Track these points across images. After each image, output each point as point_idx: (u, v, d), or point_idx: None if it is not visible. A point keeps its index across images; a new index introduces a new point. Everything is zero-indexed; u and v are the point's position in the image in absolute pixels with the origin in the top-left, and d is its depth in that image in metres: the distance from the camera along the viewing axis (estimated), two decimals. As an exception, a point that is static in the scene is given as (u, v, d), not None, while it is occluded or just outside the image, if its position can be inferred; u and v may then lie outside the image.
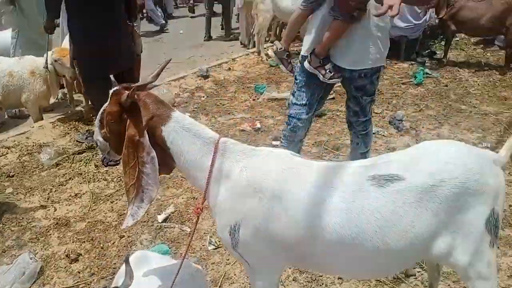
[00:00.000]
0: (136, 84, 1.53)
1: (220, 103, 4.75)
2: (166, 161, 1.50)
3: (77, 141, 3.91)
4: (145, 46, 6.76)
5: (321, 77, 2.15)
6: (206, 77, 5.48)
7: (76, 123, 4.27)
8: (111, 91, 1.51)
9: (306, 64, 2.18)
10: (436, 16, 5.69)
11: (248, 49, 6.76)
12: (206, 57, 6.79)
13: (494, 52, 5.98)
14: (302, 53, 2.26)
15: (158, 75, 1.61)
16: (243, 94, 4.96)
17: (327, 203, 1.34)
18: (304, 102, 2.27)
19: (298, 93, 2.29)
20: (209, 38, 7.83)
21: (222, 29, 8.22)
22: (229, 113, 4.48)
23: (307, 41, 2.21)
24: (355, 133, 2.50)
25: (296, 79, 2.32)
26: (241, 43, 7.36)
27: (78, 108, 4.64)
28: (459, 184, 1.29)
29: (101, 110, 1.56)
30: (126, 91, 1.45)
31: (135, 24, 4.02)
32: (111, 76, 1.74)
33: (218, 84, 5.32)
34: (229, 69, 5.82)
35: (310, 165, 1.45)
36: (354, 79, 2.18)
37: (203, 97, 4.95)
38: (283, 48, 2.36)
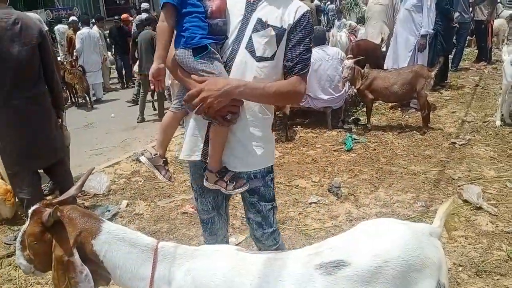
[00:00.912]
0: (58, 199, 1.46)
1: (159, 186, 4.63)
2: (101, 276, 1.43)
3: (4, 243, 3.54)
4: (76, 132, 6.60)
5: (224, 191, 1.92)
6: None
7: (1, 224, 3.89)
8: (30, 210, 1.42)
9: (205, 182, 1.94)
10: (353, 87, 6.17)
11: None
12: (140, 139, 6.71)
13: (411, 114, 6.49)
14: (180, 157, 2.03)
15: (81, 186, 1.57)
16: (182, 174, 4.89)
17: None
18: (211, 206, 2.08)
19: (200, 200, 2.09)
20: (142, 119, 7.80)
21: (154, 109, 8.25)
22: (169, 196, 4.36)
23: (184, 144, 2.00)
24: (266, 249, 2.16)
25: (192, 186, 2.12)
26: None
27: None
28: (402, 262, 1.33)
29: (21, 231, 1.46)
30: (47, 209, 1.37)
31: (64, 114, 3.93)
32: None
33: (155, 166, 5.21)
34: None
35: (256, 259, 1.43)
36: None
37: (141, 181, 4.81)
38: (158, 154, 2.04)
